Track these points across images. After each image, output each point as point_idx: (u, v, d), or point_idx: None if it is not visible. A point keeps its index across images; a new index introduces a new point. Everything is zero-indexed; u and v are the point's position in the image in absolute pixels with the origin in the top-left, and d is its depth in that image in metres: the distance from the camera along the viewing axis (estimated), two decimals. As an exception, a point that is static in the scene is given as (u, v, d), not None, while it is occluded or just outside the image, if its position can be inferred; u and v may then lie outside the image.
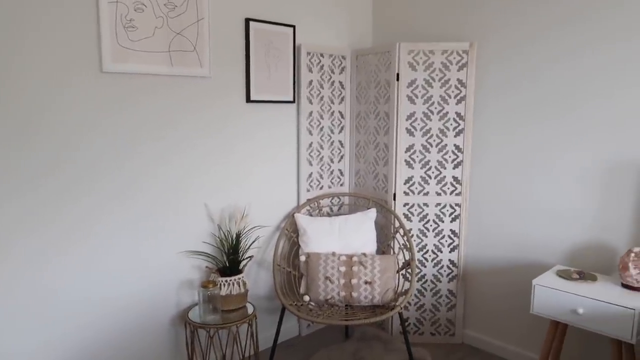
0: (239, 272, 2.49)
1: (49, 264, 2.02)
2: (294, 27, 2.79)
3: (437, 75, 2.77)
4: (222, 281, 2.41)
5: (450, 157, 2.83)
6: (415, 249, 2.92)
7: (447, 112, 2.79)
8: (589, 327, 2.04)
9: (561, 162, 2.48)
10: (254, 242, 2.73)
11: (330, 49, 2.99)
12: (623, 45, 2.22)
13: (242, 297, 2.48)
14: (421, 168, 2.86)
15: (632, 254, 2.08)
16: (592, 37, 2.31)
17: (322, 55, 2.96)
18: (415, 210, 2.91)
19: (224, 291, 2.41)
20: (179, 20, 2.30)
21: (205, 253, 2.54)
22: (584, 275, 2.23)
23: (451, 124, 2.80)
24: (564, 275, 2.25)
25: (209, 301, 2.33)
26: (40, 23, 1.89)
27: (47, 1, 1.90)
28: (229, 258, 2.49)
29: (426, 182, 2.87)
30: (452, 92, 2.77)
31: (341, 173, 3.20)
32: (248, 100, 2.64)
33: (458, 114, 2.79)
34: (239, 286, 2.45)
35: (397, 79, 2.78)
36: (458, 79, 2.76)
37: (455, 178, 2.85)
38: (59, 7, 1.93)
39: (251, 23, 2.58)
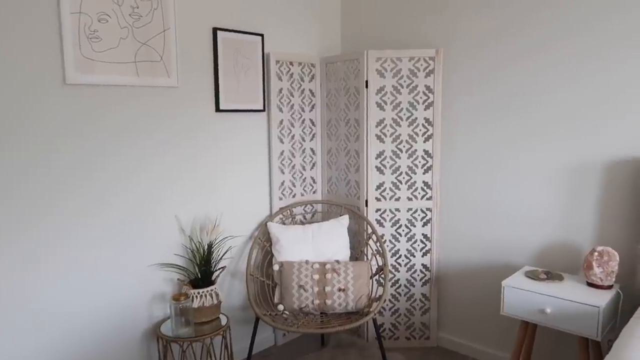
0: (212, 283, 2.46)
1: (18, 277, 1.97)
2: (262, 35, 2.79)
3: (405, 81, 2.81)
4: (194, 293, 2.38)
5: (420, 162, 2.87)
6: (388, 254, 2.95)
7: (416, 118, 2.83)
8: (557, 325, 2.08)
9: (526, 164, 2.54)
10: (226, 252, 2.71)
11: (300, 57, 3.00)
12: (586, 48, 2.29)
13: (215, 309, 2.45)
14: (392, 174, 2.89)
15: (596, 253, 2.14)
16: (552, 39, 2.38)
17: (291, 63, 2.97)
18: (388, 215, 2.93)
19: (196, 303, 2.38)
20: (145, 31, 2.28)
21: (177, 265, 2.51)
22: (551, 275, 2.28)
23: (420, 130, 2.84)
24: (531, 275, 2.29)
25: (181, 314, 2.29)
26: (2, 34, 1.85)
27: (8, 12, 1.86)
28: (201, 269, 2.46)
29: (397, 187, 2.90)
30: (420, 98, 2.81)
31: (313, 180, 3.21)
32: (217, 109, 2.62)
33: (427, 120, 2.83)
34: (212, 298, 2.42)
35: (366, 86, 2.80)
36: (426, 85, 2.80)
37: (425, 183, 2.89)
38: (19, 18, 1.89)
39: (219, 32, 2.58)
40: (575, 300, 2.03)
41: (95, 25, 2.11)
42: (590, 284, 2.17)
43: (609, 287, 2.14)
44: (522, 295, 2.18)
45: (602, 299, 2.02)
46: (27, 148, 1.96)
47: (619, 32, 2.18)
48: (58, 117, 2.04)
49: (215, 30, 2.56)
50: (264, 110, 2.86)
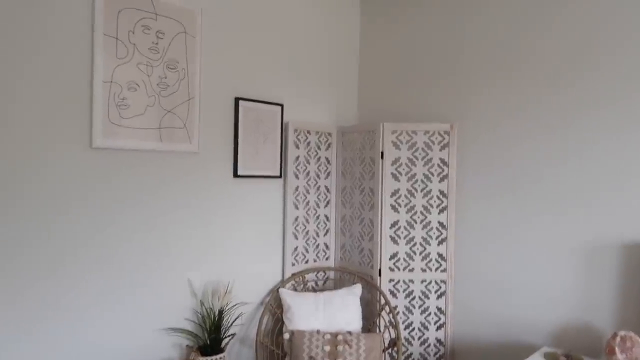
0: (221, 350, 2.41)
1: (19, 340, 1.95)
2: (282, 105, 2.89)
3: (420, 154, 2.86)
4: (202, 361, 2.33)
5: (434, 233, 2.86)
6: (401, 327, 2.87)
7: (431, 190, 2.85)
8: (579, 414, 1.98)
9: (542, 241, 2.51)
10: (237, 318, 2.67)
11: (317, 126, 3.09)
12: (603, 137, 2.32)
13: (222, 379, 2.38)
14: (406, 244, 2.88)
15: (618, 338, 2.07)
16: (573, 129, 2.42)
17: (309, 132, 3.05)
18: (401, 286, 2.89)
19: (203, 372, 2.32)
20: (171, 99, 2.38)
21: (187, 330, 2.47)
22: (571, 359, 2.20)
23: (435, 201, 2.85)
24: (551, 358, 2.21)
25: (188, 383, 2.23)
26: (34, 98, 1.94)
27: (42, 78, 1.96)
28: (211, 337, 2.42)
29: (411, 258, 2.88)
30: (435, 170, 2.85)
31: (327, 247, 3.20)
32: (235, 175, 2.67)
33: (441, 192, 2.85)
34: (220, 366, 2.36)
35: (382, 157, 2.85)
36: (440, 158, 2.84)
37: (440, 254, 2.86)
38: (54, 83, 1.99)
39: (240, 102, 2.68)
40: (597, 388, 1.94)
41: (125, 93, 2.21)
42: (613, 370, 2.08)
43: (633, 374, 2.05)
44: (541, 379, 2.09)
45: (626, 388, 1.93)
46: (45, 205, 2.00)
47: (636, 112, 2.22)
48: (80, 177, 2.09)
49: (237, 100, 2.66)
50: (280, 176, 2.91)
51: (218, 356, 2.37)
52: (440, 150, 2.84)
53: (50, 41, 1.98)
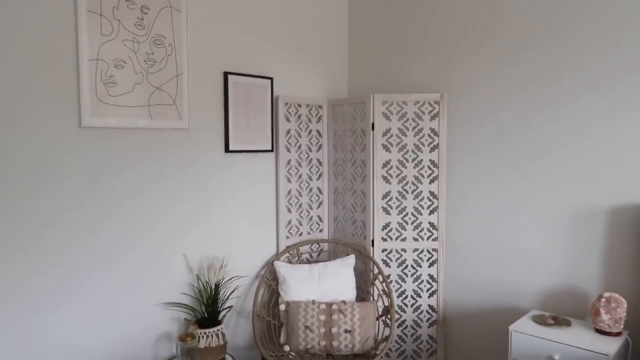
0: (218, 323, 2.46)
1: (30, 319, 1.98)
2: (271, 79, 2.88)
3: (410, 124, 2.87)
4: (200, 333, 2.38)
5: (426, 203, 2.90)
6: (395, 295, 2.94)
7: (422, 160, 2.88)
8: (566, 373, 2.06)
9: (531, 207, 2.56)
10: (233, 292, 2.72)
11: (307, 99, 3.08)
12: (587, 101, 2.35)
13: (221, 349, 2.44)
14: (398, 214, 2.92)
15: (603, 299, 2.14)
16: (558, 94, 2.44)
17: (299, 105, 3.04)
18: (394, 255, 2.94)
19: (202, 344, 2.37)
20: (159, 76, 2.36)
21: (184, 304, 2.52)
22: (558, 321, 2.27)
23: (426, 171, 2.88)
24: (539, 320, 2.29)
25: (188, 354, 2.29)
26: (21, 79, 1.92)
27: (29, 57, 1.94)
28: (208, 309, 2.47)
29: (403, 228, 2.92)
30: (426, 140, 2.86)
31: (320, 219, 3.23)
32: (227, 150, 2.68)
33: (432, 162, 2.87)
34: (218, 338, 2.42)
35: (372, 128, 2.86)
36: (431, 128, 2.86)
37: (431, 224, 2.91)
38: (39, 64, 1.97)
39: (230, 76, 2.66)
40: (584, 348, 2.02)
41: (112, 70, 2.19)
42: (598, 331, 2.16)
43: (618, 333, 2.12)
44: (530, 341, 2.17)
45: (611, 347, 2.01)
46: (45, 190, 2.01)
47: (623, 90, 2.24)
48: (71, 158, 2.09)
49: (226, 75, 2.64)
50: (272, 150, 2.92)
51: (216, 328, 2.42)
52: (431, 120, 2.85)
53: (32, 19, 1.94)
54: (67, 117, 2.07)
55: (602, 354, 1.97)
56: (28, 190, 1.97)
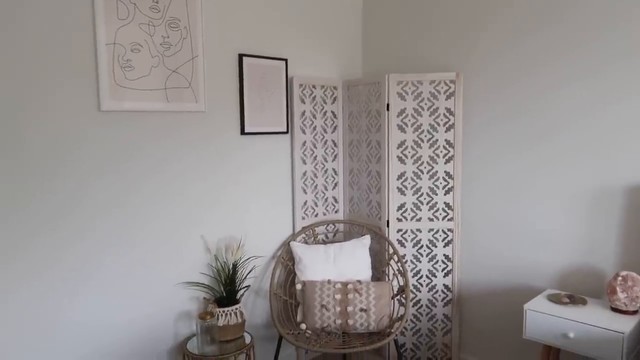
0: (236, 302, 2.52)
1: (52, 297, 2.06)
2: (286, 60, 2.88)
3: (425, 104, 2.85)
4: (219, 312, 2.44)
5: (441, 183, 2.90)
6: (410, 275, 2.97)
7: (437, 140, 2.87)
8: (580, 350, 2.08)
9: (548, 186, 2.54)
10: (250, 271, 2.77)
11: (322, 80, 3.08)
12: (604, 78, 2.31)
13: (239, 327, 2.50)
14: (413, 195, 2.92)
15: (620, 278, 2.13)
16: (575, 69, 2.40)
17: (314, 86, 3.04)
18: (409, 236, 2.96)
19: (221, 322, 2.44)
20: (175, 59, 2.38)
21: (203, 284, 2.58)
22: (574, 299, 2.28)
23: (441, 152, 2.87)
24: (554, 299, 2.29)
25: (207, 332, 2.36)
26: (40, 65, 1.96)
27: (47, 42, 1.97)
28: (226, 289, 2.53)
29: (418, 208, 2.93)
30: (441, 120, 2.85)
31: (335, 200, 3.26)
32: (242, 132, 2.70)
33: (447, 142, 2.86)
34: (236, 316, 2.48)
35: (387, 109, 2.86)
36: (446, 108, 2.84)
37: (446, 204, 2.91)
38: (58, 49, 2.00)
39: (244, 58, 2.67)
40: (599, 326, 2.02)
41: (129, 55, 2.22)
42: (614, 309, 2.16)
43: (634, 312, 2.12)
44: (545, 319, 2.18)
45: (626, 325, 2.01)
46: (67, 173, 2.06)
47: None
48: (93, 143, 2.14)
49: (240, 57, 2.65)
50: (287, 132, 2.93)
51: (234, 307, 2.48)
52: (446, 99, 2.83)
53: (49, 5, 1.97)
54: (87, 102, 2.11)
55: (617, 332, 1.97)
56: (49, 174, 2.02)
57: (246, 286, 2.67)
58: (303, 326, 2.64)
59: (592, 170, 2.38)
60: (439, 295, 2.97)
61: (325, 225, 3.18)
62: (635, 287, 2.10)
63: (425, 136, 2.88)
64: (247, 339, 2.49)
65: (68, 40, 2.03)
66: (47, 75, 1.98)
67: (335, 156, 3.23)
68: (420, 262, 2.97)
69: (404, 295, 2.76)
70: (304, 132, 3.01)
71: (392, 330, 2.55)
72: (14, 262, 1.95)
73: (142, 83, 2.27)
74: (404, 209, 2.94)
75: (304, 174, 3.05)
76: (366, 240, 2.94)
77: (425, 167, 2.90)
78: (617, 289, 2.13)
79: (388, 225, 2.94)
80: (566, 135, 2.46)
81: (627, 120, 2.26)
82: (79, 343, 2.16)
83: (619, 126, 2.28)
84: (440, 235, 2.94)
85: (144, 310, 2.38)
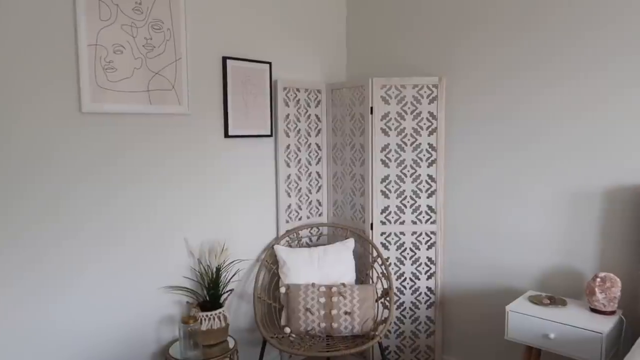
0: (220, 306, 2.50)
1: (31, 303, 2.02)
2: (270, 63, 2.88)
3: (409, 108, 2.88)
4: (202, 316, 2.42)
5: (424, 186, 2.92)
6: (393, 277, 2.98)
7: (420, 144, 2.89)
8: (561, 351, 2.11)
9: (529, 190, 2.59)
10: (234, 275, 2.75)
11: (306, 83, 3.08)
12: (582, 83, 2.36)
13: (223, 332, 2.48)
14: (397, 198, 2.94)
15: (598, 279, 2.17)
16: (555, 75, 2.45)
17: (298, 89, 3.04)
18: (392, 239, 2.97)
19: (204, 326, 2.41)
20: (158, 61, 2.36)
21: (186, 288, 2.55)
22: (554, 301, 2.31)
23: (424, 155, 2.90)
24: (535, 300, 2.33)
25: (190, 337, 2.33)
26: (20, 65, 1.92)
27: (28, 43, 1.94)
28: (210, 292, 2.51)
29: (402, 211, 2.95)
30: (424, 124, 2.88)
31: (319, 203, 3.26)
32: (226, 135, 2.69)
33: (430, 145, 2.89)
34: (220, 320, 2.46)
35: (371, 112, 2.87)
36: (429, 112, 2.87)
37: (429, 207, 2.93)
38: (39, 50, 1.97)
39: (228, 61, 2.66)
40: (578, 326, 2.06)
41: (111, 56, 2.19)
42: (594, 310, 2.20)
43: (612, 312, 2.17)
44: (526, 321, 2.21)
45: (605, 325, 2.05)
46: (47, 176, 2.02)
47: (618, 70, 2.25)
48: (75, 145, 2.11)
49: (224, 59, 2.65)
50: (271, 135, 2.93)
51: (218, 311, 2.46)
52: (429, 103, 2.86)
53: (30, 4, 1.94)
54: (68, 103, 2.08)
55: (596, 332, 2.01)
56: (29, 176, 1.99)
57: (230, 290, 2.65)
58: (287, 330, 2.63)
59: (571, 173, 2.43)
60: (423, 298, 2.99)
61: (309, 229, 3.18)
62: (613, 287, 2.14)
63: (409, 140, 2.90)
64: (231, 343, 2.48)
65: (49, 40, 2.00)
66: (27, 76, 1.95)
67: (320, 159, 3.23)
68: (403, 264, 2.98)
69: (387, 298, 2.78)
70: (288, 135, 3.01)
71: (377, 333, 2.55)
72: (-9, 266, 1.91)
73: (125, 85, 2.25)
74: (387, 211, 2.96)
75: (288, 177, 3.04)
76: (350, 243, 2.94)
77: (408, 171, 2.92)
78: (596, 289, 2.17)
79: (372, 228, 2.95)
80: (547, 139, 2.50)
81: (606, 125, 2.31)
82: (60, 348, 2.12)
83: (597, 130, 2.33)
84: (423, 238, 2.96)
85: (126, 315, 2.34)
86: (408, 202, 2.94)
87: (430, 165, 2.90)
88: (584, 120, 2.37)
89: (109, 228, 2.25)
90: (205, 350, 2.39)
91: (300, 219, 3.15)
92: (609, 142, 2.30)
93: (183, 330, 2.32)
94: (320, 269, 2.82)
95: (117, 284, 2.30)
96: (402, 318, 3.01)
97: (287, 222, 3.06)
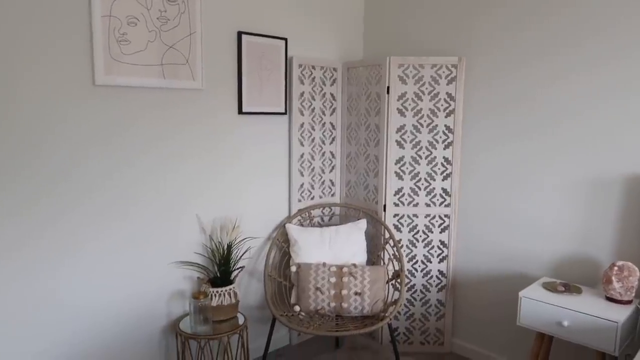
0: (230, 282, 2.51)
1: (41, 273, 2.03)
2: (286, 39, 2.82)
3: (426, 88, 2.81)
4: (213, 292, 2.43)
5: (439, 169, 2.87)
6: (405, 260, 2.96)
7: (437, 125, 2.84)
8: (574, 339, 2.08)
9: (547, 176, 2.52)
10: (245, 252, 2.75)
11: (322, 61, 3.03)
12: (606, 70, 2.27)
13: (233, 308, 2.49)
14: (411, 179, 2.90)
15: (615, 268, 2.13)
16: (577, 61, 2.36)
17: (313, 67, 2.99)
18: (405, 221, 2.94)
19: (215, 302, 2.42)
20: (172, 34, 2.32)
21: (197, 264, 2.56)
22: (569, 288, 2.27)
23: (440, 137, 2.84)
24: (549, 287, 2.29)
25: (200, 312, 2.34)
26: (33, 36, 1.90)
27: (41, 15, 1.91)
28: (220, 269, 2.51)
29: (416, 193, 2.91)
30: (442, 105, 2.82)
31: (332, 183, 3.23)
32: (240, 112, 2.66)
33: (447, 127, 2.83)
34: (230, 297, 2.47)
35: (388, 92, 2.82)
36: (447, 93, 2.80)
37: (444, 190, 2.89)
38: (52, 21, 1.95)
39: (243, 36, 2.61)
40: (593, 315, 2.02)
41: (125, 28, 2.16)
42: (609, 299, 2.15)
43: (629, 302, 2.12)
44: (539, 307, 2.18)
45: (621, 314, 2.01)
46: (57, 147, 2.02)
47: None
48: (86, 117, 2.10)
49: (240, 34, 2.60)
50: (285, 113, 2.89)
51: (228, 287, 2.47)
52: (447, 84, 2.80)
53: (45, -27, 1.91)
54: (81, 75, 2.06)
55: (611, 320, 1.97)
56: (40, 145, 1.98)
57: (241, 267, 2.65)
58: (297, 308, 2.64)
59: (590, 160, 2.36)
60: (434, 281, 2.97)
61: (322, 208, 3.16)
62: (630, 277, 2.10)
63: (425, 121, 2.84)
64: (241, 320, 2.49)
65: (63, 11, 1.97)
66: (40, 46, 1.93)
67: (333, 139, 3.19)
68: (415, 247, 2.96)
69: (398, 280, 2.76)
70: (302, 113, 2.97)
71: (386, 315, 2.55)
72: None
73: (138, 58, 2.22)
74: (401, 193, 2.92)
75: (302, 156, 3.01)
76: (362, 224, 2.92)
77: (424, 152, 2.87)
78: (613, 278, 2.12)
79: (385, 210, 2.92)
80: (567, 125, 2.43)
81: (627, 112, 2.23)
82: (71, 319, 2.14)
83: (618, 118, 2.26)
84: (436, 221, 2.93)
85: (136, 289, 2.36)
86: (422, 184, 2.90)
87: (446, 147, 2.85)
88: (606, 107, 2.29)
89: (119, 201, 2.25)
90: (215, 325, 2.40)
91: (312, 198, 3.12)
92: (630, 128, 2.22)
93: (193, 305, 2.33)
94: (332, 249, 2.81)
95: (127, 257, 2.31)
96: (412, 300, 3.00)
97: (300, 201, 3.04)
